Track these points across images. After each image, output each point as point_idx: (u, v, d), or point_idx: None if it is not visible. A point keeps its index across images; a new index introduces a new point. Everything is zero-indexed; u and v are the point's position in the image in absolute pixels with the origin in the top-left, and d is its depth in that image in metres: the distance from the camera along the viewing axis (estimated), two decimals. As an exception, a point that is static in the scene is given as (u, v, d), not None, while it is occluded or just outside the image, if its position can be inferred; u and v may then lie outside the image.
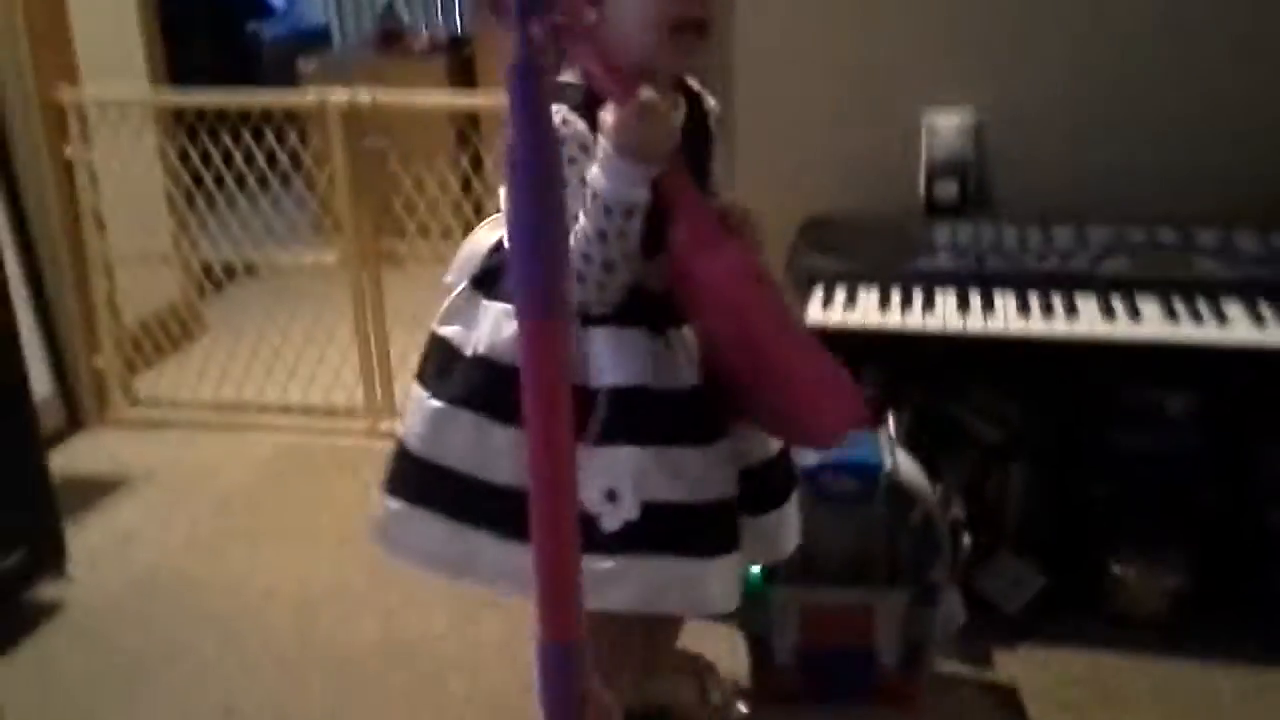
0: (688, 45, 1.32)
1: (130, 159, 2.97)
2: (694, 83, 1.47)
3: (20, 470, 2.21)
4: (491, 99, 2.90)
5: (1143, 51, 2.21)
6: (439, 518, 1.41)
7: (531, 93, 0.83)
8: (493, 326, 1.36)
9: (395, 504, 1.44)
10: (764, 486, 1.48)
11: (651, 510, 1.34)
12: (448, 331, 1.41)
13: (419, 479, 1.42)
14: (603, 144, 1.26)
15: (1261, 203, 2.12)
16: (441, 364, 1.41)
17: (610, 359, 1.34)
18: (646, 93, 1.25)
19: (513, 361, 1.30)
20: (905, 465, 1.77)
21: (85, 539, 2.46)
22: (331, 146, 2.70)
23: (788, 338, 1.33)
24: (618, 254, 1.28)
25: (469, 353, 1.38)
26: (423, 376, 1.44)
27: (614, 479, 1.33)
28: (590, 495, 1.32)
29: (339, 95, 2.66)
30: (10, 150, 2.82)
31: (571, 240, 1.26)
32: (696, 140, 1.42)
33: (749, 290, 1.31)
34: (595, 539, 1.32)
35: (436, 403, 1.40)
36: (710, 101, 1.49)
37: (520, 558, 1.08)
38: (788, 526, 1.54)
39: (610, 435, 1.33)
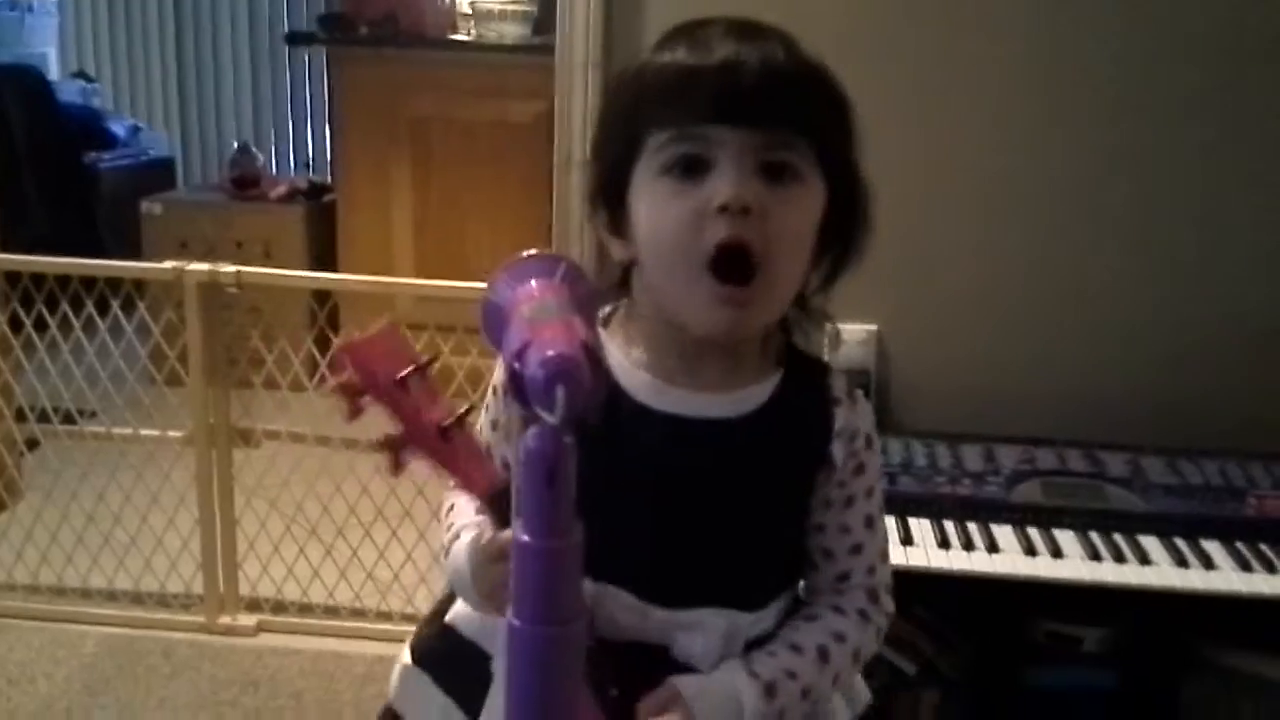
0: (731, 299, 1.00)
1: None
2: (840, 386, 1.15)
3: None
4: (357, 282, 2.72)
5: (1043, 270, 2.22)
6: None
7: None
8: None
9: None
10: None
11: None
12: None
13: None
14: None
15: (1167, 426, 2.12)
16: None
17: None
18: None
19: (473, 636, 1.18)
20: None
21: None
22: (187, 321, 2.45)
23: None
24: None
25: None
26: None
27: None
28: None
29: (198, 268, 2.43)
30: None
31: None
32: (781, 468, 1.12)
33: None
34: None
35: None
36: (858, 409, 1.14)
37: None
38: None
39: None
